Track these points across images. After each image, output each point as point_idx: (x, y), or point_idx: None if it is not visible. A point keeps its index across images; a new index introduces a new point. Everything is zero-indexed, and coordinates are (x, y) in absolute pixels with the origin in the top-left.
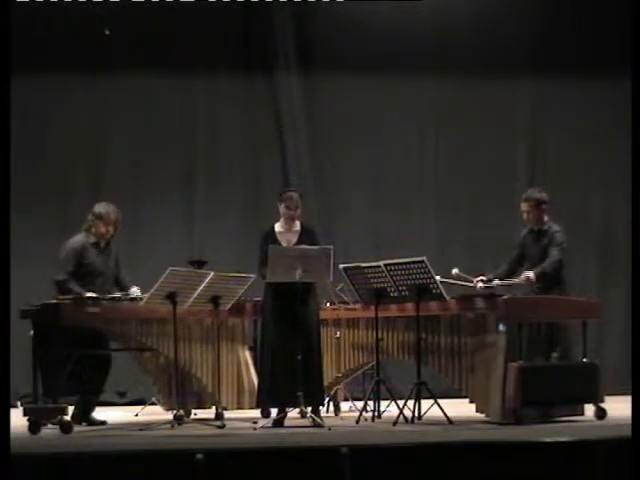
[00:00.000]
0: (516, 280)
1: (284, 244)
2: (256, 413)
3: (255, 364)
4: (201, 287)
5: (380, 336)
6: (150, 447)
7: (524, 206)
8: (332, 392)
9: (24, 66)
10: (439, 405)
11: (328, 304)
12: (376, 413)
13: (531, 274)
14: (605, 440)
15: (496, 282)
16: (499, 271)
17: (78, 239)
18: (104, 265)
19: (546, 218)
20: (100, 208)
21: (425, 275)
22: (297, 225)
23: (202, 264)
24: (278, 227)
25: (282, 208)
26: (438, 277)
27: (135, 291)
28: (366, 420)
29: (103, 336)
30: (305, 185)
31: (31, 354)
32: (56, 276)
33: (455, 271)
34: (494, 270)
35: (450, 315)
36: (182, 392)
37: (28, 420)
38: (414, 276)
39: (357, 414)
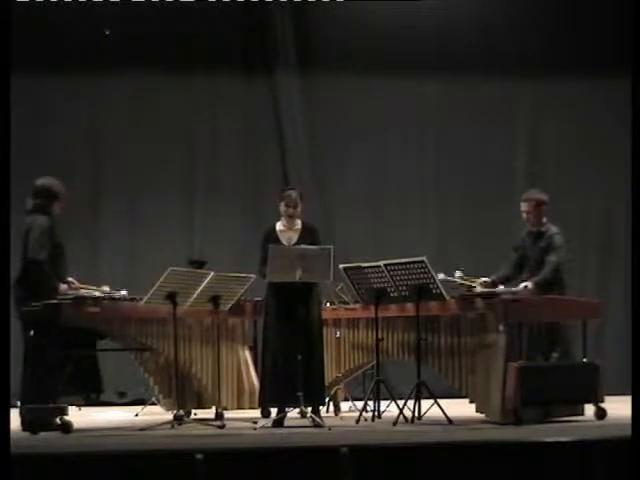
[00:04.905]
0: (514, 290)
1: (285, 243)
2: (256, 413)
3: (255, 364)
4: (201, 287)
5: (380, 336)
6: (150, 447)
7: (524, 206)
8: (332, 392)
9: (24, 66)
10: (439, 405)
11: (328, 304)
12: (376, 413)
13: (530, 284)
14: (605, 440)
15: (500, 288)
16: (501, 274)
17: (44, 221)
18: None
19: (545, 219)
20: (58, 187)
21: (425, 275)
22: (298, 223)
23: (202, 264)
24: (279, 226)
25: (282, 206)
26: (442, 275)
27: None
28: (366, 420)
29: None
30: (305, 185)
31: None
32: (37, 255)
33: (459, 274)
34: (495, 272)
35: (450, 315)
36: (182, 392)
37: (28, 420)
38: (414, 276)
39: (357, 414)
